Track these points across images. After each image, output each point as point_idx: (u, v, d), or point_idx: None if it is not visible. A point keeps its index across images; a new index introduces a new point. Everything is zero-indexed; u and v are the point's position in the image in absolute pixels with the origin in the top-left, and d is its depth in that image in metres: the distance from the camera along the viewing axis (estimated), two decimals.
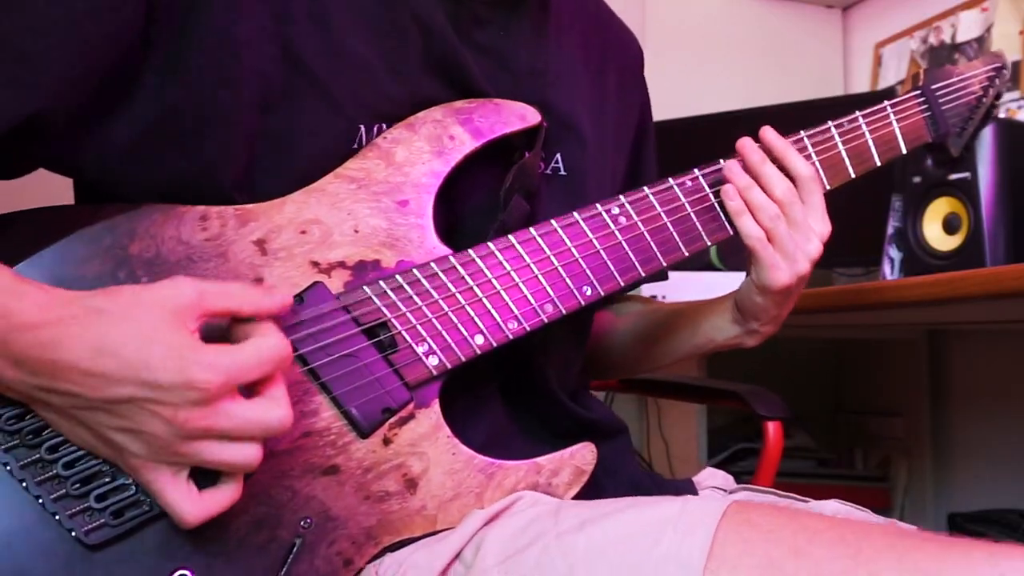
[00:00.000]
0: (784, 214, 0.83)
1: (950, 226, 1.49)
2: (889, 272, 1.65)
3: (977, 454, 2.13)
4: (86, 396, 0.58)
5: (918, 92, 0.98)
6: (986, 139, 1.42)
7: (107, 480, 0.63)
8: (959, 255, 1.44)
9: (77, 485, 0.62)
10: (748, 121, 2.04)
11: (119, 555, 0.63)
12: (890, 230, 1.64)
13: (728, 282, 1.64)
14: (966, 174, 1.43)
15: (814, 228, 0.84)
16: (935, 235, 1.50)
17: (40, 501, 0.62)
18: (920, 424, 2.21)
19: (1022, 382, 2.00)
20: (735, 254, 1.78)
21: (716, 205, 0.85)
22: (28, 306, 0.58)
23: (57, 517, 0.62)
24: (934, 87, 0.99)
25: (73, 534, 0.62)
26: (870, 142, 0.92)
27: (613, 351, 1.06)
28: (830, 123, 0.91)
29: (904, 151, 0.95)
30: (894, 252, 1.62)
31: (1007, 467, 2.04)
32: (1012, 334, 1.99)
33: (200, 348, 0.59)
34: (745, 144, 0.86)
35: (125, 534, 0.63)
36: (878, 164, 0.93)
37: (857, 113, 0.92)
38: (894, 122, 0.94)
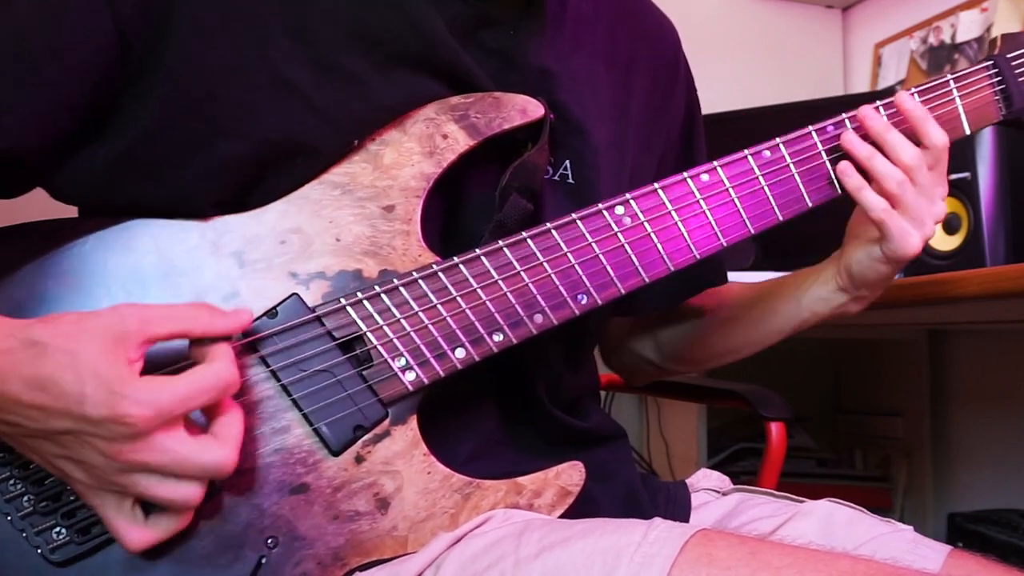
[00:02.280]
0: (911, 179, 0.81)
1: (950, 226, 1.49)
2: None
3: (977, 454, 2.13)
4: (27, 427, 0.59)
5: (989, 62, 0.87)
6: (986, 139, 1.42)
7: (73, 498, 0.64)
8: (959, 255, 1.44)
9: (45, 503, 0.63)
10: (748, 121, 2.04)
11: (84, 572, 0.63)
12: None
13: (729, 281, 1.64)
14: (966, 174, 1.43)
15: (938, 191, 0.82)
16: (935, 235, 1.50)
17: (8, 518, 0.63)
18: (920, 424, 2.20)
19: (1022, 382, 2.00)
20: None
21: (735, 201, 0.79)
22: None
23: (24, 534, 0.63)
24: (1011, 55, 0.87)
25: (39, 551, 0.63)
26: None
27: (709, 341, 1.01)
28: (879, 103, 0.83)
29: (968, 132, 0.86)
30: None
31: (1007, 467, 2.03)
32: (1012, 334, 1.99)
33: (132, 381, 0.58)
34: (866, 112, 0.82)
35: (90, 551, 0.64)
36: None
37: (913, 90, 0.84)
38: (957, 98, 0.86)
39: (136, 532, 0.61)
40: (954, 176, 1.44)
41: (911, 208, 0.81)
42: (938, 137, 0.81)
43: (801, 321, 0.92)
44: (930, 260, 1.49)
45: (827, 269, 0.89)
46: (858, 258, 0.86)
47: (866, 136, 0.82)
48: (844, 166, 0.82)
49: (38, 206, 0.74)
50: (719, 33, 2.51)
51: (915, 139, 0.82)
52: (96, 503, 0.61)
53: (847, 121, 0.84)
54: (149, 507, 0.62)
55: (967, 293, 1.13)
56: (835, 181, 0.83)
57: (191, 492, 0.61)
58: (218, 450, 0.61)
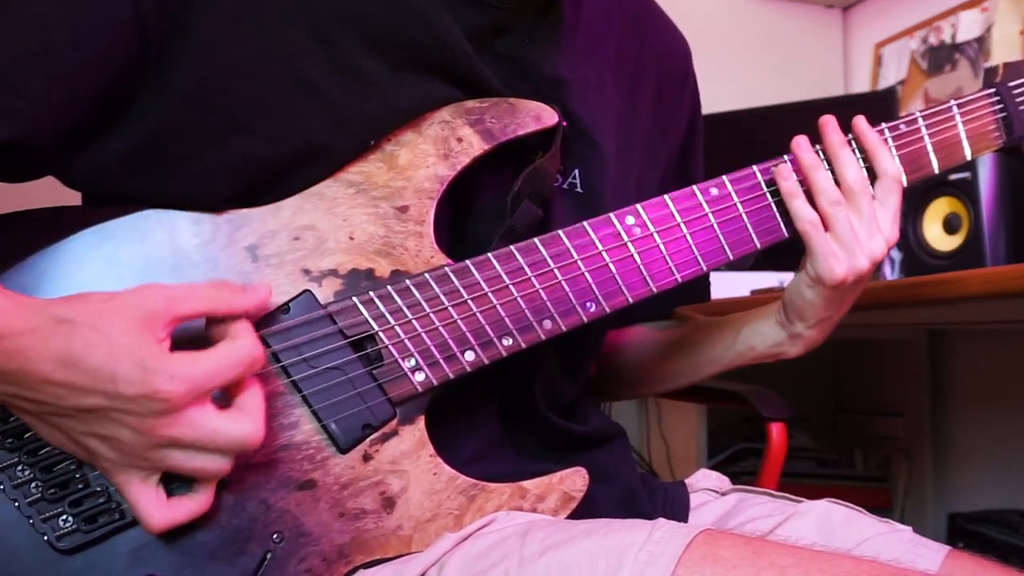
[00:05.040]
0: (850, 202, 0.78)
1: (950, 226, 1.49)
2: (889, 272, 1.65)
3: (977, 454, 2.13)
4: (56, 404, 0.59)
5: (992, 90, 0.87)
6: None
7: (81, 486, 0.64)
8: (959, 255, 1.44)
9: (53, 490, 0.63)
10: (748, 121, 2.04)
11: (90, 560, 0.63)
12: None
13: (726, 281, 1.64)
14: (966, 174, 1.43)
15: (882, 227, 0.78)
16: (935, 235, 1.50)
17: (16, 504, 0.63)
18: (920, 424, 2.20)
19: (1022, 382, 2.00)
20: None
21: (743, 216, 0.79)
22: None
23: (31, 521, 0.63)
24: (1012, 84, 0.87)
25: (45, 538, 0.63)
26: (928, 147, 0.84)
27: (648, 364, 1.00)
28: (884, 125, 0.83)
29: (969, 157, 0.86)
30: (894, 252, 1.62)
31: (1007, 467, 2.03)
32: (1012, 334, 1.99)
33: (164, 358, 0.59)
34: (828, 123, 0.80)
35: (97, 540, 0.64)
36: (936, 171, 0.84)
37: (917, 113, 0.84)
38: (959, 124, 0.85)
39: (160, 512, 0.62)
40: (954, 176, 1.45)
41: (841, 233, 0.77)
42: (889, 165, 0.79)
43: (736, 354, 0.90)
44: (930, 260, 1.49)
45: (773, 305, 0.87)
46: (791, 283, 0.83)
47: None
48: (783, 168, 0.79)
49: (47, 192, 0.74)
50: (719, 33, 2.51)
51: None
52: (121, 480, 0.61)
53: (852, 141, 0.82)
54: (171, 488, 0.63)
55: (967, 293, 1.13)
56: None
57: (220, 463, 0.62)
58: (246, 423, 0.61)
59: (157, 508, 0.62)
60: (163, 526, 0.62)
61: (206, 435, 0.60)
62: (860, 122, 0.81)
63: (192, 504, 0.63)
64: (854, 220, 0.78)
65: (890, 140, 0.82)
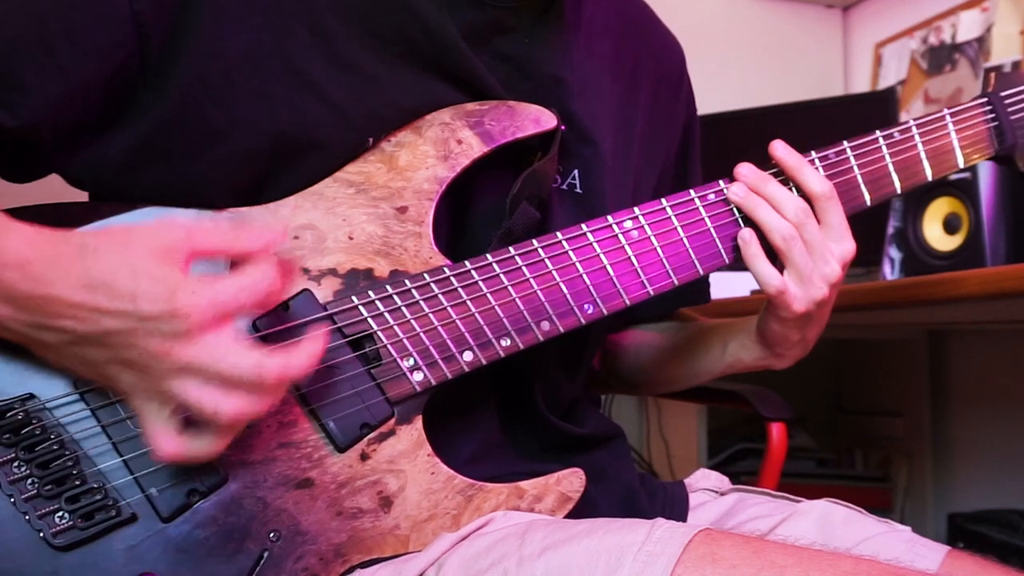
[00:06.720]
0: (798, 236, 0.77)
1: (950, 226, 1.49)
2: (889, 272, 1.65)
3: (977, 454, 2.13)
4: (77, 331, 0.59)
5: (984, 99, 0.88)
6: None
7: (78, 483, 0.64)
8: (959, 255, 1.44)
9: (50, 486, 0.63)
10: (748, 121, 2.04)
11: (86, 557, 0.63)
12: (890, 230, 1.64)
13: (727, 281, 1.64)
14: (966, 174, 1.43)
15: (833, 249, 0.78)
16: (935, 235, 1.51)
17: (12, 500, 0.63)
18: (920, 424, 2.20)
19: (1022, 382, 2.00)
20: None
21: (739, 220, 0.80)
22: (16, 242, 0.59)
23: (27, 517, 0.62)
24: (1004, 94, 0.88)
25: (41, 535, 0.62)
26: (922, 154, 0.85)
27: (647, 368, 1.02)
28: (878, 132, 0.84)
29: (961, 165, 0.87)
30: (894, 252, 1.62)
31: (1007, 467, 2.04)
32: (1012, 334, 1.99)
33: (184, 277, 0.59)
34: (742, 171, 0.79)
35: (93, 537, 0.64)
36: (930, 179, 0.85)
37: (911, 121, 0.85)
38: (952, 132, 0.86)
39: (168, 440, 0.61)
40: (954, 176, 1.45)
41: (799, 268, 0.77)
42: (815, 185, 0.78)
43: (726, 366, 0.91)
44: (930, 260, 1.49)
45: (753, 321, 0.87)
46: (760, 314, 0.84)
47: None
48: (744, 232, 0.78)
49: (51, 194, 0.74)
50: (719, 33, 2.51)
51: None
52: (138, 405, 0.61)
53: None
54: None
55: (967, 293, 1.14)
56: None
57: (235, 404, 0.60)
58: (261, 355, 0.60)
59: (166, 437, 0.61)
60: (167, 455, 0.61)
61: (223, 358, 0.59)
62: (777, 148, 0.80)
63: (200, 443, 0.62)
64: (808, 251, 0.77)
65: (884, 148, 0.83)
